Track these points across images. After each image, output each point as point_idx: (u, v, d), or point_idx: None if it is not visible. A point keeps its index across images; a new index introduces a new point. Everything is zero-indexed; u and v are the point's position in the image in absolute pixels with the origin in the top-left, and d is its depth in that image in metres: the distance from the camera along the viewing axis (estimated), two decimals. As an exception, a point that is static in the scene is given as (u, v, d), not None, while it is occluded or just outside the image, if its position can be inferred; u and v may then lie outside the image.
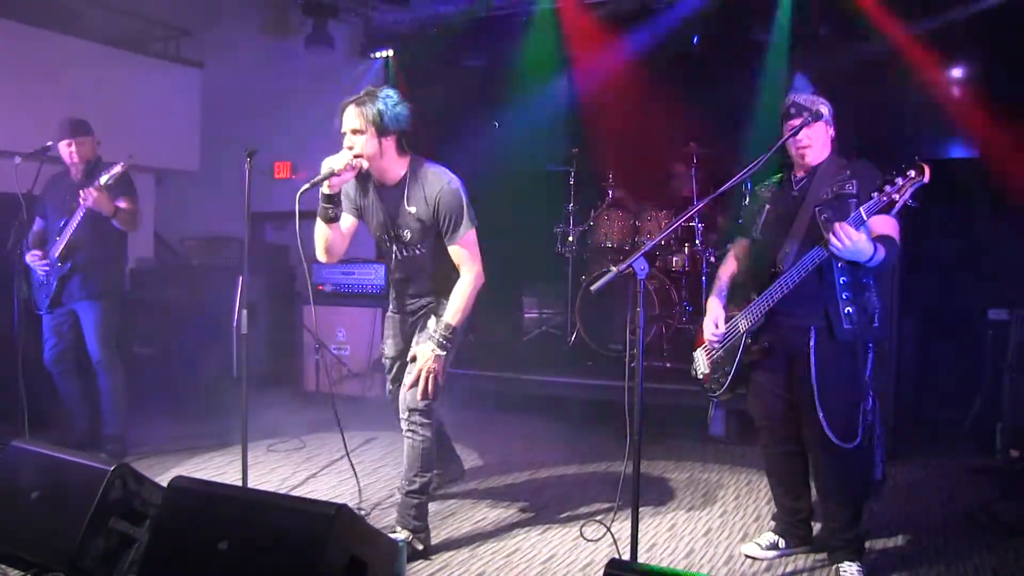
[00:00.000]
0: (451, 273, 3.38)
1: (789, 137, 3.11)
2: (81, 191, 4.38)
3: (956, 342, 5.54)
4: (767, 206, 3.29)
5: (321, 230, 3.30)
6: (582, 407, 5.67)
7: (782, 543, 3.34)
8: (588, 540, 3.52)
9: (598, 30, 6.82)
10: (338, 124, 3.24)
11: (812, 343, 3.04)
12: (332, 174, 3.11)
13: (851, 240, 2.83)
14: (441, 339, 3.29)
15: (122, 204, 4.57)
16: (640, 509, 2.72)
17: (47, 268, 4.56)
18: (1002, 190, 5.68)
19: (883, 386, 4.36)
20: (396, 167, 3.28)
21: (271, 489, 4.07)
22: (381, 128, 3.15)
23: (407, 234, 3.33)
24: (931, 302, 5.65)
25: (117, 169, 4.38)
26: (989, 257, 5.74)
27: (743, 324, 3.19)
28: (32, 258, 4.58)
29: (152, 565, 2.69)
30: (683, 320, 5.84)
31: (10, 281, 4.65)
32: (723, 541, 3.55)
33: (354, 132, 3.18)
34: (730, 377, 3.27)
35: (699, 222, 5.86)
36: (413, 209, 3.27)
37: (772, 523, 3.44)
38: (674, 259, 5.91)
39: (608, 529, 3.42)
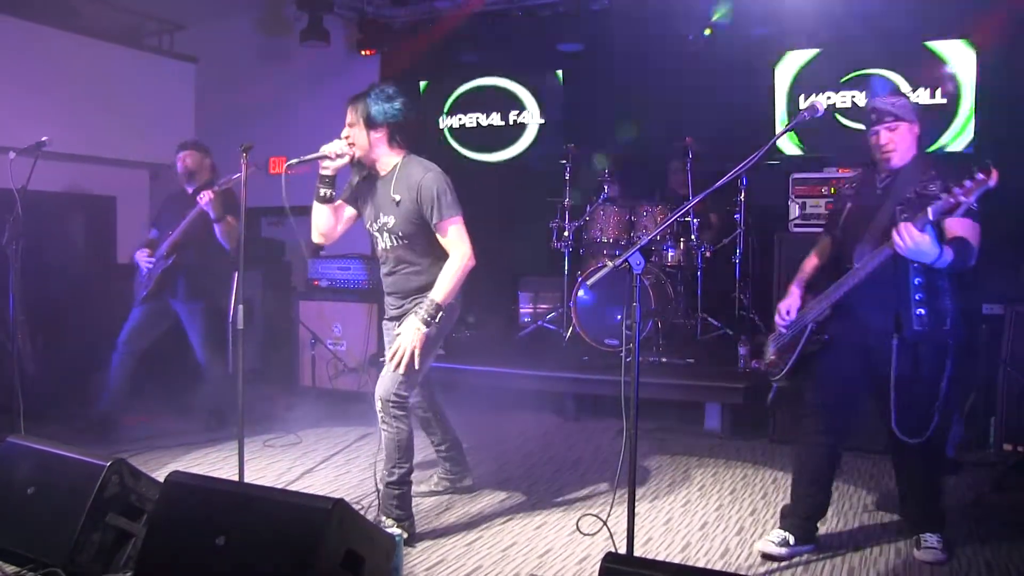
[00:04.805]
0: (434, 271, 3.41)
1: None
2: (201, 193, 4.73)
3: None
4: (848, 204, 3.35)
5: (315, 210, 3.52)
6: (578, 402, 5.68)
7: (791, 539, 3.33)
8: (584, 534, 3.53)
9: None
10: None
11: (895, 344, 3.10)
12: (323, 156, 3.36)
13: (913, 240, 2.89)
14: (426, 316, 3.31)
15: (228, 217, 4.87)
16: (636, 503, 2.74)
17: (151, 263, 4.97)
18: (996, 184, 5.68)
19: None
20: (388, 159, 3.45)
21: (268, 484, 4.07)
22: (369, 121, 3.35)
23: (391, 221, 3.42)
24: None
25: (226, 181, 4.71)
26: (983, 251, 5.73)
27: (810, 314, 3.31)
28: (140, 255, 5.04)
29: (149, 560, 2.70)
30: (678, 315, 5.84)
31: (5, 276, 4.64)
32: (719, 534, 3.57)
33: (349, 125, 3.41)
34: (791, 362, 3.37)
35: (694, 218, 5.86)
36: (397, 196, 3.38)
37: (782, 519, 3.41)
38: (669, 254, 5.92)
39: (604, 523, 3.43)
